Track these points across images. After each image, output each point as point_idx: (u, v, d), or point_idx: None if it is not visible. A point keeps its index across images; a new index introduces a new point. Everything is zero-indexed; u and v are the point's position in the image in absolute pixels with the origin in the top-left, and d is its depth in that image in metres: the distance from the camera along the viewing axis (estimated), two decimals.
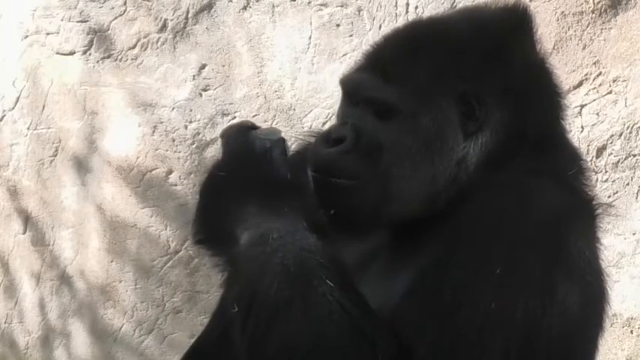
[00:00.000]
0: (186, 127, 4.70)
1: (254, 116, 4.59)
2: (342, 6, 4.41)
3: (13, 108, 5.08)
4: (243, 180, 1.84)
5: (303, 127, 4.39)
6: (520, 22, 1.97)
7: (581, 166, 1.97)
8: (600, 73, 4.01)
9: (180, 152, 4.73)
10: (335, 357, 1.67)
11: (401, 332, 1.70)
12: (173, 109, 4.72)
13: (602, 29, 4.00)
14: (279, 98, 4.55)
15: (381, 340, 1.68)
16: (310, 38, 4.47)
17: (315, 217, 1.80)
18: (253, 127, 1.94)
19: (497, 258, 1.71)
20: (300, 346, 1.67)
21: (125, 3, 4.78)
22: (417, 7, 4.25)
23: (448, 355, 1.68)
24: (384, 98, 1.88)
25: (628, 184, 4.02)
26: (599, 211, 1.88)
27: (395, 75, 1.89)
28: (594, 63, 4.02)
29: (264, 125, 4.47)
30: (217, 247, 1.87)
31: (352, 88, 1.97)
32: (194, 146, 4.70)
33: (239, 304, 1.73)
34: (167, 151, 4.75)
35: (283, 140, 1.90)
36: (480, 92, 1.89)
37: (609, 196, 3.99)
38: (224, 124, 4.63)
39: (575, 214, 1.81)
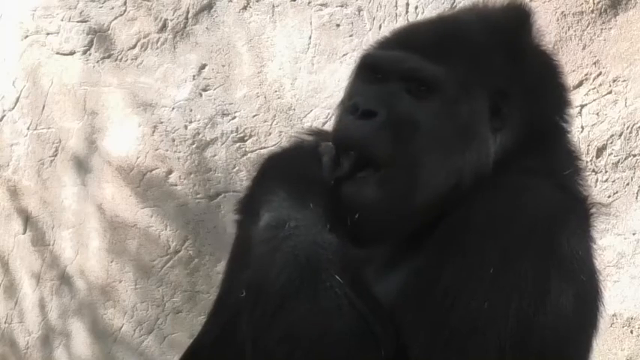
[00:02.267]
0: (186, 127, 4.70)
1: (254, 116, 4.59)
2: (342, 6, 4.41)
3: (13, 108, 5.08)
4: (286, 168, 1.87)
5: (303, 127, 4.39)
6: (526, 20, 1.96)
7: (577, 166, 1.96)
8: (600, 73, 4.01)
9: (180, 152, 4.73)
10: (339, 350, 1.68)
11: (397, 331, 1.70)
12: (173, 109, 4.72)
13: (602, 29, 4.00)
14: (279, 98, 4.54)
15: (386, 337, 1.69)
16: (310, 38, 4.47)
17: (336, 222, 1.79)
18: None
19: (490, 258, 1.71)
20: (304, 337, 1.68)
21: (125, 3, 4.78)
22: (416, 7, 4.25)
23: (442, 355, 1.68)
24: (431, 74, 1.83)
25: (628, 184, 4.02)
26: (593, 210, 1.87)
27: (436, 56, 1.84)
28: (594, 63, 4.02)
29: (264, 125, 4.53)
30: (243, 224, 1.88)
31: (383, 63, 1.88)
32: (194, 146, 4.70)
33: (248, 288, 1.75)
34: (167, 151, 4.75)
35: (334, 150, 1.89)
36: (507, 89, 1.88)
37: (609, 196, 3.98)
38: (224, 124, 4.63)
39: (569, 214, 1.80)
